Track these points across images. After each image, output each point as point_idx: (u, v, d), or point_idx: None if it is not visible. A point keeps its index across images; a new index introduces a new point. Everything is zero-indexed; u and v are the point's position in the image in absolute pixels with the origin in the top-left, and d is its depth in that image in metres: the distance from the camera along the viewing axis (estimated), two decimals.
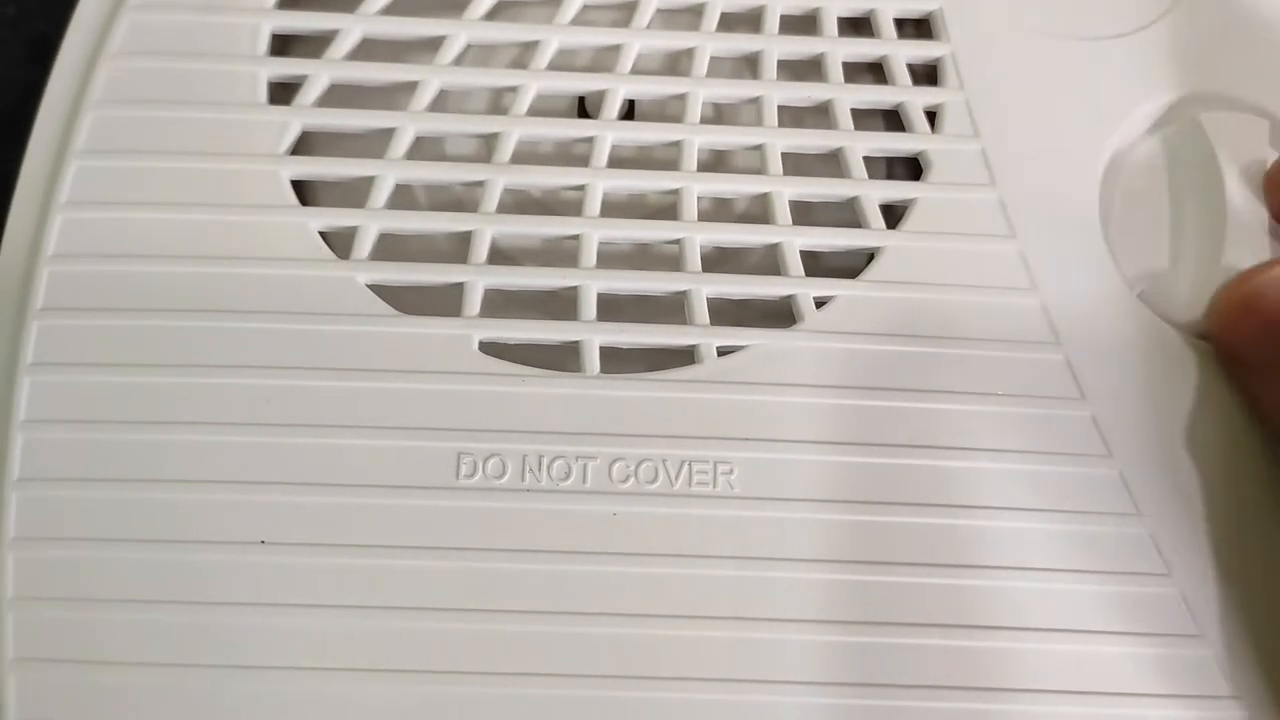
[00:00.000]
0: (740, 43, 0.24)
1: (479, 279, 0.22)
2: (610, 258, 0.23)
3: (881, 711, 0.20)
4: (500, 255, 0.23)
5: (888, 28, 0.24)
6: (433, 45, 0.23)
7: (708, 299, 0.22)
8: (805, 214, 0.23)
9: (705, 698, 0.19)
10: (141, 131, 0.22)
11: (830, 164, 0.23)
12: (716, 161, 0.24)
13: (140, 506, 0.20)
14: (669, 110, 0.24)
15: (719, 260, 0.23)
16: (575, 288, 0.22)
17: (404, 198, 0.23)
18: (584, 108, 0.24)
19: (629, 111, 0.25)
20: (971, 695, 0.20)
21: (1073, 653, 0.20)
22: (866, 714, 0.20)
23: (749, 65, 0.24)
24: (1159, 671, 0.20)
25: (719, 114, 0.24)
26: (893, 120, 0.24)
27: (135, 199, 0.22)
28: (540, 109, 0.24)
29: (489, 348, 0.21)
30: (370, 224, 0.22)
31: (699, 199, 0.23)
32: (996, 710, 0.20)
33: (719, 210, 0.24)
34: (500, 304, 0.22)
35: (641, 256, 0.23)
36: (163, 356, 0.21)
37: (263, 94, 0.23)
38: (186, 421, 0.20)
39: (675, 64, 0.24)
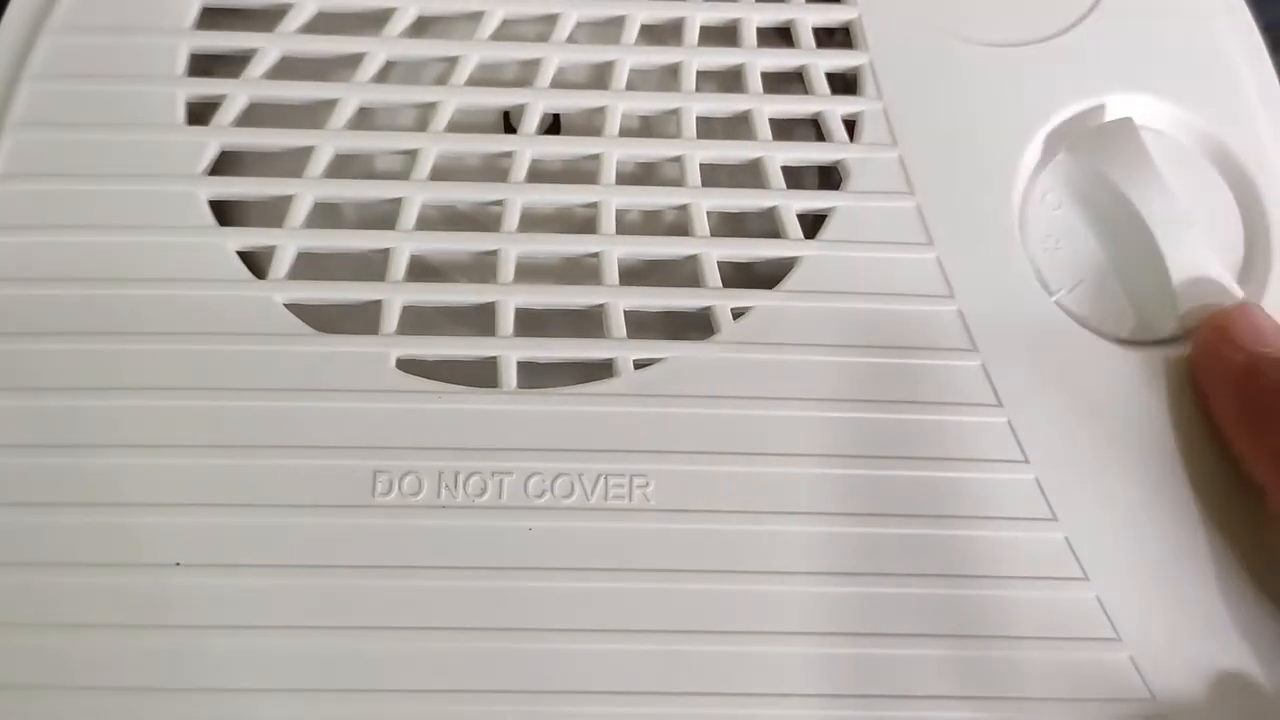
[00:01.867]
0: (660, 55, 0.24)
1: (396, 296, 0.22)
2: (538, 271, 0.23)
3: None
4: (430, 271, 0.23)
5: (807, 38, 0.24)
6: (356, 63, 0.23)
7: (630, 312, 0.22)
8: (737, 225, 0.23)
9: (626, 710, 0.19)
10: (60, 154, 0.22)
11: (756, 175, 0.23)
12: (646, 174, 0.24)
13: (51, 531, 0.20)
14: (595, 124, 0.24)
15: (648, 272, 0.23)
16: (493, 303, 0.22)
17: (332, 216, 0.23)
18: (510, 122, 0.25)
19: (555, 125, 0.25)
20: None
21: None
22: None
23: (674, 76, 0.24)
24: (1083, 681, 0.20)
25: (648, 127, 0.24)
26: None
27: (52, 222, 0.22)
28: (466, 124, 0.24)
29: (408, 364, 0.21)
30: (288, 243, 0.22)
31: (629, 212, 0.23)
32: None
33: (649, 223, 0.24)
34: (432, 320, 0.22)
35: (571, 270, 0.23)
36: (79, 379, 0.21)
37: (181, 115, 0.23)
38: (102, 444, 0.20)
39: (601, 77, 0.24)
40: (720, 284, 0.22)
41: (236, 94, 0.23)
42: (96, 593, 0.19)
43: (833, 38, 0.25)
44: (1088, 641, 0.20)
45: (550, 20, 0.24)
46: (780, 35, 0.25)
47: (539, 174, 0.23)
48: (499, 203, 0.23)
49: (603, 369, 0.21)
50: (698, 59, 0.24)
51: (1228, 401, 0.21)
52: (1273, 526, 0.21)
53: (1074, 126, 0.24)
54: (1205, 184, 0.24)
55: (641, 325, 0.22)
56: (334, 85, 0.23)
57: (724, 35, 0.24)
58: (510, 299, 0.22)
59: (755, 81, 0.24)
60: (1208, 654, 0.20)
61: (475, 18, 0.24)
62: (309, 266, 0.22)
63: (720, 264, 0.22)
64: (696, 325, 0.22)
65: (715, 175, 0.24)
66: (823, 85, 0.24)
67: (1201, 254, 0.22)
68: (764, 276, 0.22)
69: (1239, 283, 0.23)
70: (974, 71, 0.24)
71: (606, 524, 0.20)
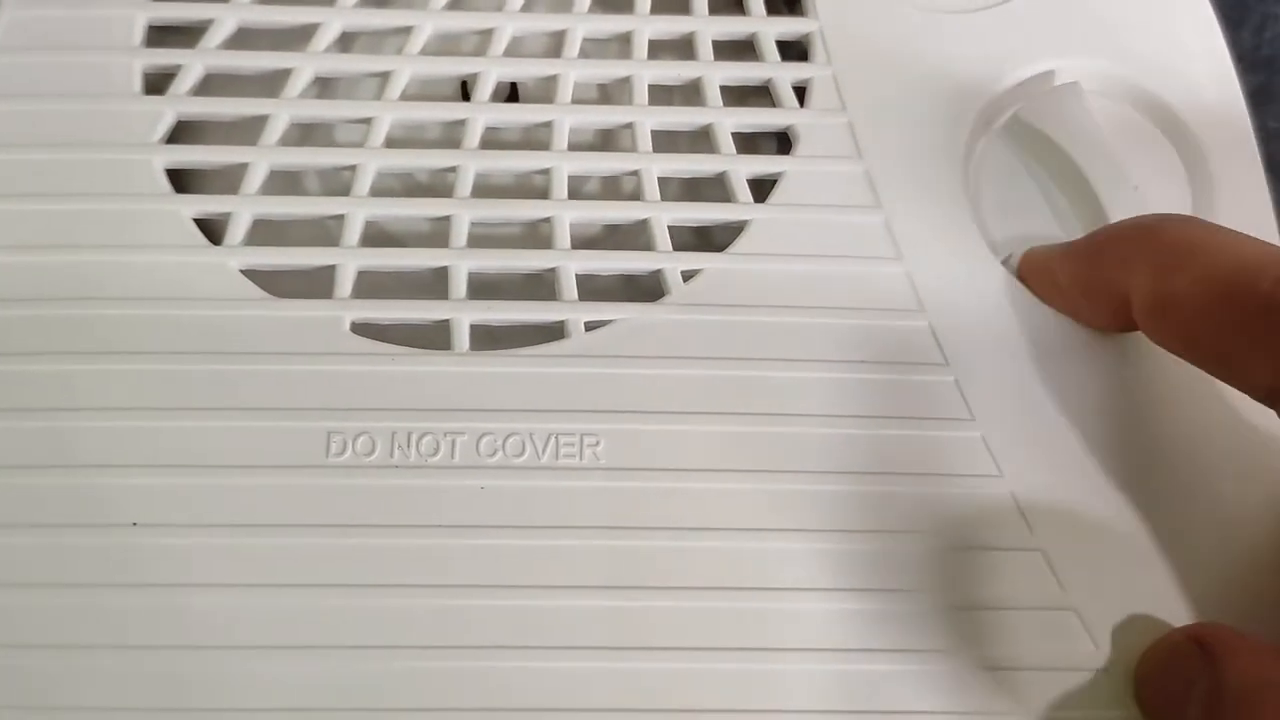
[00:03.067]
0: (611, 23, 0.24)
1: (350, 261, 0.22)
2: (497, 239, 0.23)
3: (752, 676, 0.20)
4: (390, 240, 0.23)
5: (758, 6, 0.24)
6: (313, 34, 0.24)
7: (587, 277, 0.22)
8: (693, 191, 0.24)
9: (577, 665, 0.20)
10: (16, 125, 0.22)
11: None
12: (605, 142, 0.24)
13: (6, 491, 0.20)
14: (553, 93, 0.24)
15: (605, 239, 0.23)
16: (446, 268, 0.22)
17: (294, 186, 0.23)
18: (468, 92, 0.25)
19: (513, 97, 0.25)
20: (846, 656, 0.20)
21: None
22: (736, 678, 0.20)
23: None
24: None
25: (605, 95, 0.25)
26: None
27: (7, 191, 0.22)
28: (425, 95, 0.24)
29: (363, 328, 0.22)
30: (243, 210, 0.22)
31: (589, 181, 0.23)
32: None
33: (608, 191, 0.24)
34: (389, 286, 0.22)
35: (530, 237, 0.23)
36: (34, 344, 0.21)
37: (138, 84, 0.23)
38: (57, 408, 0.21)
39: (556, 46, 0.24)
40: (670, 247, 0.22)
41: (193, 64, 0.23)
42: (51, 552, 0.20)
43: (786, 7, 0.25)
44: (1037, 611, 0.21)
45: None
46: (735, 5, 0.25)
47: (498, 143, 0.23)
48: (454, 170, 0.23)
49: (555, 331, 0.22)
50: (649, 26, 0.24)
51: (1065, 272, 0.21)
52: None
53: (1022, 91, 0.24)
54: (1152, 151, 0.24)
55: (599, 291, 0.22)
56: (289, 55, 0.23)
57: (678, 5, 0.25)
58: (463, 263, 0.22)
59: (706, 49, 0.24)
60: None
61: None
62: (269, 235, 0.22)
63: (678, 230, 0.23)
64: (651, 291, 0.22)
65: (675, 143, 0.24)
66: (773, 52, 0.24)
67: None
68: (720, 244, 0.23)
69: None
70: (923, 37, 0.24)
71: (557, 483, 0.21)
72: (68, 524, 0.20)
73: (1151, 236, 0.20)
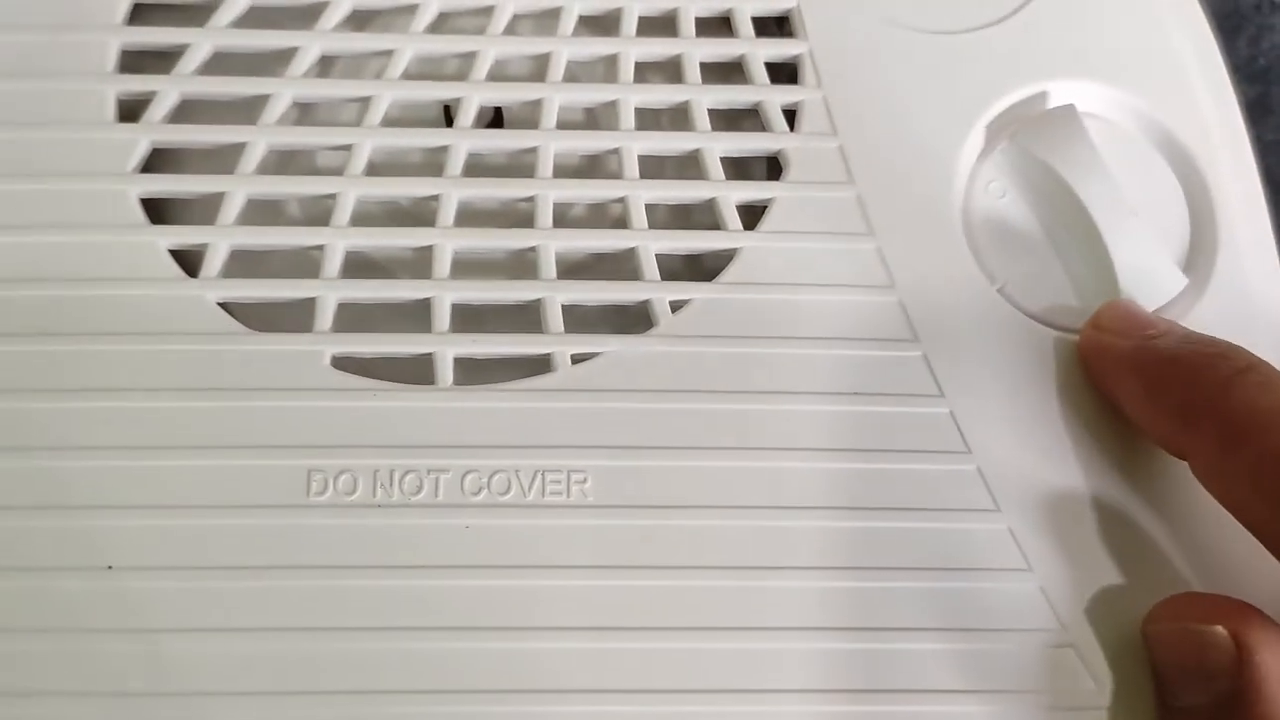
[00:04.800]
0: (598, 46, 0.24)
1: (330, 293, 0.21)
2: (481, 267, 0.23)
3: (745, 717, 0.20)
4: (372, 267, 0.23)
5: (745, 27, 0.24)
6: (290, 58, 0.23)
7: (573, 307, 0.22)
8: (684, 219, 0.23)
9: (565, 709, 0.19)
10: None
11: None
12: (591, 168, 0.24)
13: None
14: (537, 117, 0.24)
15: (592, 267, 0.23)
16: (429, 299, 0.21)
17: (274, 214, 0.23)
18: (451, 117, 0.24)
19: (497, 120, 0.24)
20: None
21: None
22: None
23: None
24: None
25: (592, 119, 0.24)
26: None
27: None
28: (406, 119, 0.23)
29: (344, 362, 0.21)
30: (220, 241, 0.22)
31: (574, 206, 0.23)
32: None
33: (594, 217, 0.24)
34: (370, 316, 0.22)
35: (515, 264, 0.23)
36: (6, 380, 0.20)
37: (111, 112, 0.22)
38: (30, 447, 0.20)
39: (541, 69, 0.24)
40: (658, 277, 0.22)
41: (168, 90, 0.22)
42: (23, 596, 0.19)
43: (776, 28, 0.25)
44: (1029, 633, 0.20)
45: (487, 13, 0.24)
46: (722, 26, 0.24)
47: (481, 168, 0.23)
48: (435, 197, 0.22)
49: (540, 364, 0.21)
50: (636, 49, 0.23)
51: (1128, 385, 0.21)
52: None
53: (1016, 114, 0.23)
54: (1150, 171, 0.24)
55: (584, 320, 0.22)
56: (267, 80, 0.23)
57: (664, 26, 0.24)
58: (446, 294, 0.21)
59: (694, 72, 0.23)
60: None
61: (411, 10, 0.24)
62: (247, 265, 0.22)
63: (667, 258, 0.22)
64: (638, 319, 0.22)
65: (663, 169, 0.23)
66: (762, 74, 0.23)
67: (1145, 243, 0.22)
68: (711, 270, 0.22)
69: (1184, 270, 0.23)
70: (915, 59, 0.23)
71: (544, 521, 0.20)
72: (39, 567, 0.19)
73: (1222, 398, 0.19)
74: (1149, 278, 0.22)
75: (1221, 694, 0.19)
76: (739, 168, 0.23)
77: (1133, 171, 0.23)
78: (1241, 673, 0.18)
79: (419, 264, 0.22)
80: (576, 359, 0.21)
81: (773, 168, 0.24)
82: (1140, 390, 0.21)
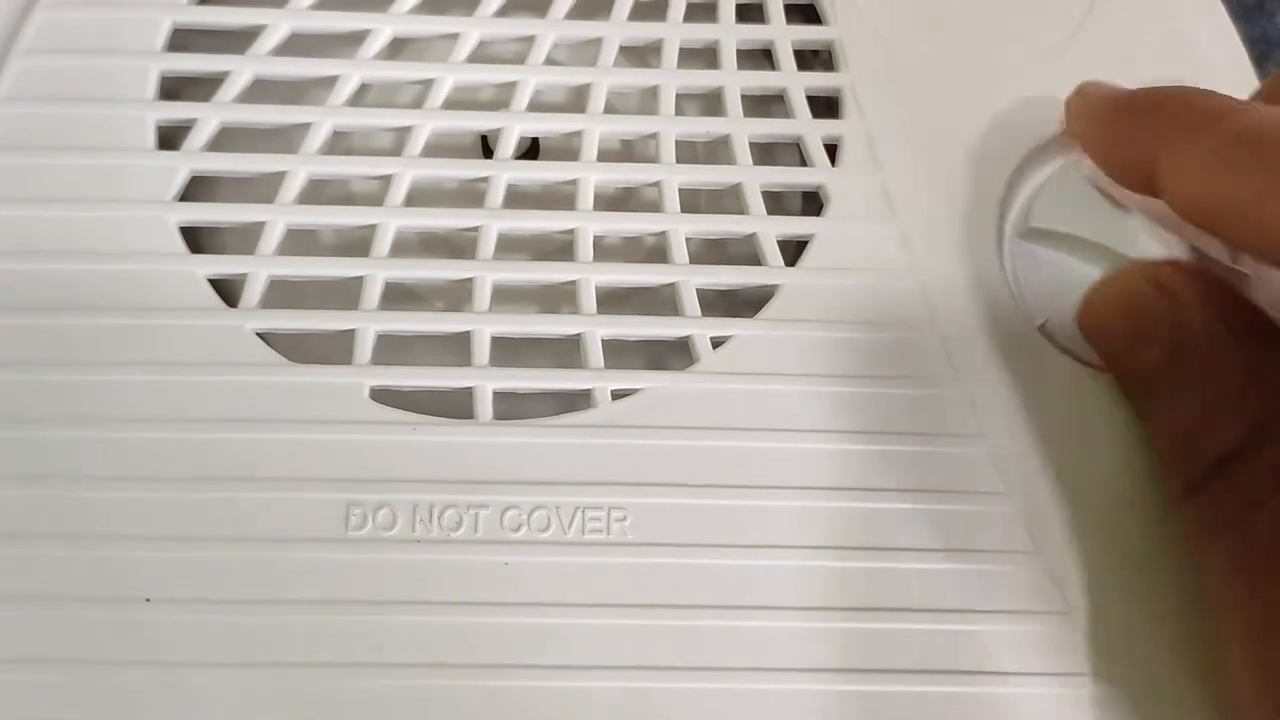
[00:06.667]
0: (638, 77, 0.23)
1: (369, 325, 0.21)
2: (518, 295, 0.22)
3: None
4: (408, 293, 0.23)
5: (787, 59, 0.24)
6: (330, 85, 0.23)
7: (607, 339, 0.22)
8: (722, 251, 0.23)
9: None
10: (27, 179, 0.22)
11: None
12: (629, 199, 0.24)
13: (18, 563, 0.19)
14: (575, 147, 0.24)
15: (630, 296, 0.23)
16: (468, 332, 0.21)
17: (309, 241, 0.23)
18: (488, 145, 0.24)
19: (533, 148, 0.24)
20: None
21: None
22: None
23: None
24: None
25: (630, 151, 0.24)
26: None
27: (20, 248, 0.21)
28: (443, 147, 0.23)
29: (382, 394, 0.21)
30: (260, 270, 0.21)
31: (607, 237, 0.23)
32: None
33: (631, 247, 0.23)
34: (409, 344, 0.22)
35: (551, 294, 0.23)
36: (45, 410, 0.20)
37: (151, 139, 0.22)
38: (67, 476, 0.20)
39: (580, 100, 0.24)
40: (699, 312, 0.22)
41: (208, 117, 0.22)
42: (60, 627, 0.19)
43: (816, 59, 0.25)
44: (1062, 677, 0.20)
45: (528, 42, 0.24)
46: (763, 57, 0.24)
47: (518, 197, 0.23)
48: (475, 228, 0.22)
49: (581, 398, 0.21)
50: (676, 81, 0.23)
51: (1096, 131, 0.22)
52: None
53: (1061, 149, 0.23)
54: None
55: (622, 350, 0.22)
56: (307, 109, 0.23)
57: (705, 57, 0.24)
58: (486, 328, 0.21)
59: (735, 104, 0.23)
60: None
61: (452, 39, 0.24)
62: (284, 294, 0.22)
63: (704, 290, 0.22)
64: (677, 352, 0.22)
65: (701, 201, 0.23)
66: (803, 107, 0.23)
67: None
68: (749, 302, 0.22)
69: None
70: (959, 93, 0.23)
71: (584, 558, 0.20)
72: (77, 597, 0.19)
73: (1184, 105, 0.20)
74: None
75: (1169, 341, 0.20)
76: (775, 199, 0.23)
77: None
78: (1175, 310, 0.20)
79: (456, 292, 0.22)
80: (617, 395, 0.21)
81: (808, 199, 0.24)
82: (1110, 126, 0.21)
